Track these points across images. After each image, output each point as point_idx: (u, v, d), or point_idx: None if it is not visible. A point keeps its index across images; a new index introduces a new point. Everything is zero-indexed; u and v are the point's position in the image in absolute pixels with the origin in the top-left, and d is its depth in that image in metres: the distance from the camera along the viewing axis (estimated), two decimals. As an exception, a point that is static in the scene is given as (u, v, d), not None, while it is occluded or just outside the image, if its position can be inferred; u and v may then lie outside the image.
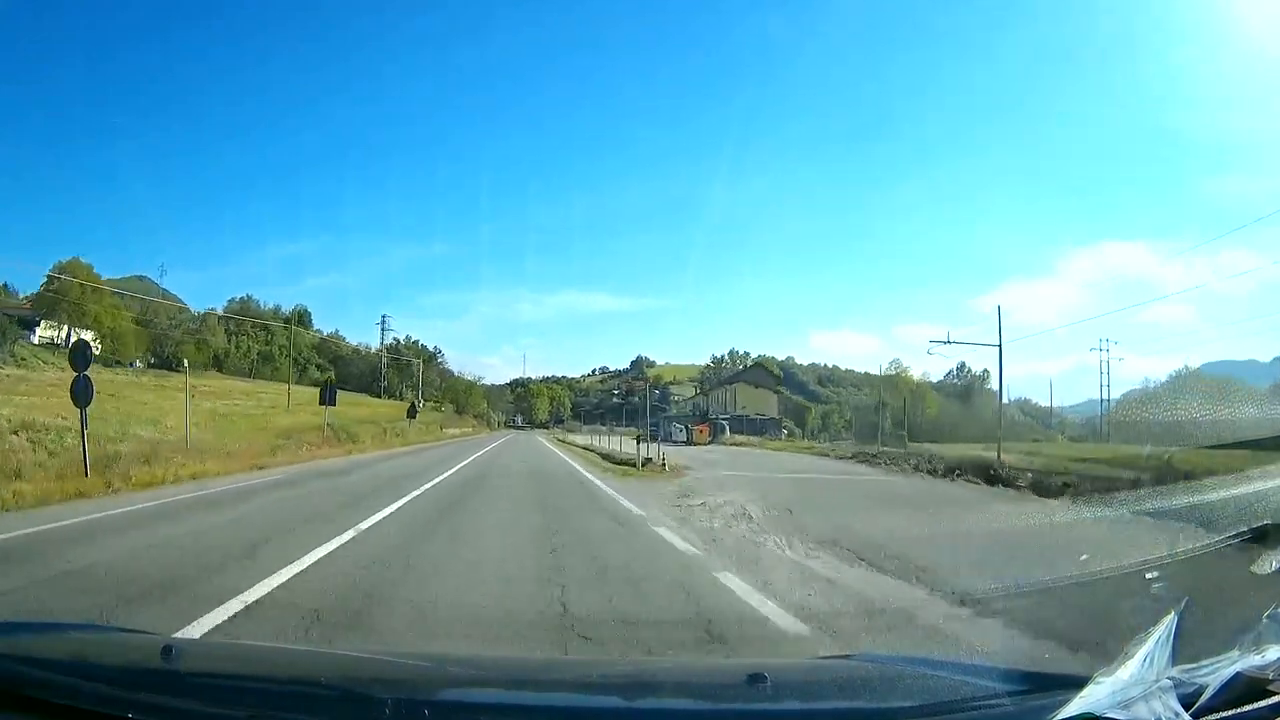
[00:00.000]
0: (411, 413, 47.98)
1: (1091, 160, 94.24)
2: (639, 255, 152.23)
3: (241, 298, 78.60)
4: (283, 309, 79.54)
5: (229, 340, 71.57)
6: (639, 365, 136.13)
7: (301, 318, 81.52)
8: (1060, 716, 1.24)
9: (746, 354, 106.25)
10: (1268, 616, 1.45)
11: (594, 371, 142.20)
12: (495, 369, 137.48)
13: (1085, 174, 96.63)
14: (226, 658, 2.20)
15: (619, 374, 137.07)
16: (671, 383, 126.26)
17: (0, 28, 71.54)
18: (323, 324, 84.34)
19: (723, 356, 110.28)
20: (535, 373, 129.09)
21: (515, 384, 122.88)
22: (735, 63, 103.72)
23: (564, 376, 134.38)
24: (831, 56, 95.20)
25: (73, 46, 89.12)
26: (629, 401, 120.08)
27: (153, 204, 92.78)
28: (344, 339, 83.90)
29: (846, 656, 3.09)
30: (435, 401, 75.07)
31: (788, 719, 1.68)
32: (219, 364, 65.24)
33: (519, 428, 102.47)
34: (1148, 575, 4.13)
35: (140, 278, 73.12)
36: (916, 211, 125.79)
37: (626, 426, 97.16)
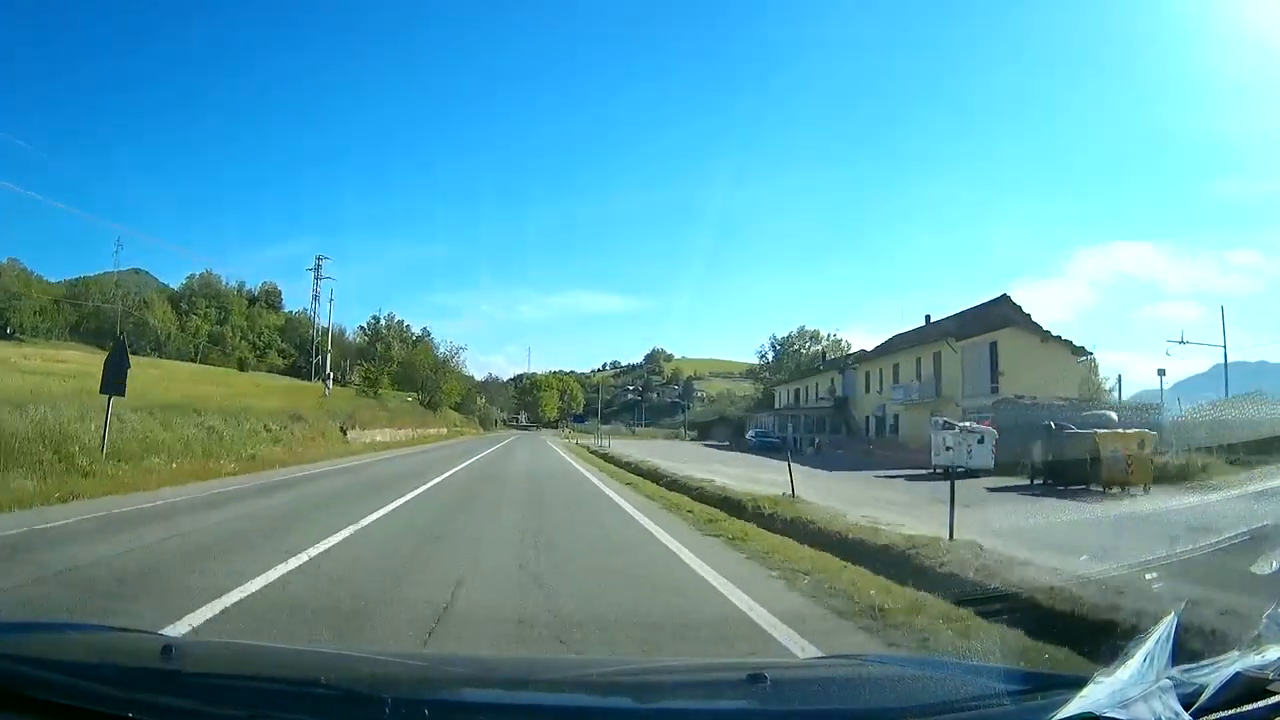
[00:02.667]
0: (113, 382, 13.86)
1: (1100, 160, 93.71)
2: (644, 255, 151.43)
3: (201, 273, 70.77)
4: (247, 285, 72.12)
5: (180, 319, 64.40)
6: (654, 359, 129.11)
7: (269, 296, 73.52)
8: (1060, 716, 1.24)
9: (817, 331, 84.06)
10: (1268, 616, 1.45)
11: (604, 366, 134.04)
12: (498, 367, 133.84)
13: (1094, 174, 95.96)
14: (226, 658, 2.20)
15: (631, 368, 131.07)
16: (694, 377, 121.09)
17: (1, 28, 71.56)
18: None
19: (789, 335, 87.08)
20: (540, 369, 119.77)
21: (519, 378, 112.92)
22: (739, 65, 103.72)
23: (572, 371, 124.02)
24: (836, 57, 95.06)
25: (75, 45, 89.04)
26: (646, 397, 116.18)
27: (152, 202, 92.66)
28: (312, 319, 69.39)
29: (846, 656, 3.09)
30: (365, 385, 46.71)
31: (788, 719, 1.67)
32: (159, 346, 58.92)
33: (523, 427, 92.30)
34: (1147, 575, 4.12)
35: (137, 271, 72.66)
36: (923, 213, 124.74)
37: (646, 425, 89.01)
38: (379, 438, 33.32)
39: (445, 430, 52.58)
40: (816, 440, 40.86)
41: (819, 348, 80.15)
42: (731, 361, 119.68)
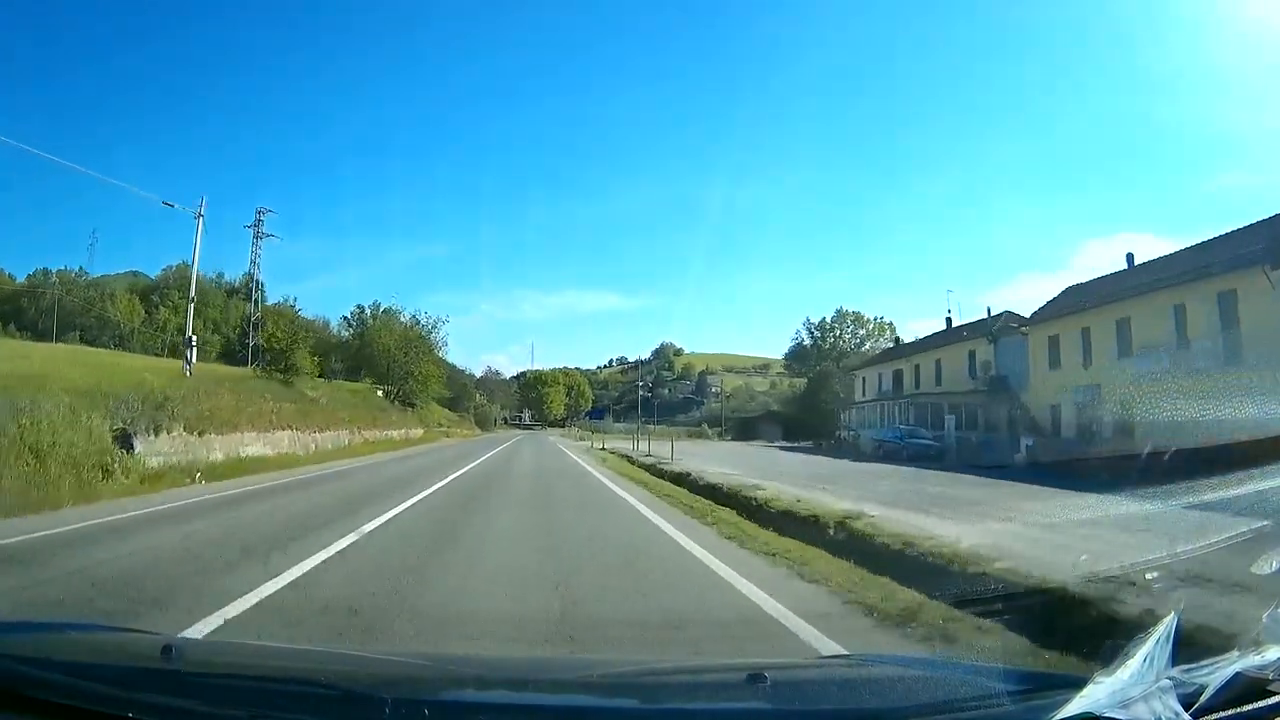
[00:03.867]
0: None
1: (1102, 155, 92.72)
2: (646, 254, 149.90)
3: (177, 265, 64.20)
4: (226, 277, 67.15)
5: (148, 313, 60.84)
6: (663, 354, 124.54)
7: (248, 288, 67.32)
8: (1060, 716, 1.24)
9: (858, 313, 76.89)
10: (1268, 616, 1.45)
11: (610, 363, 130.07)
12: (502, 366, 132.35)
13: (1097, 169, 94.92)
14: (226, 658, 2.20)
15: (639, 364, 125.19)
16: (707, 372, 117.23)
17: (2, 27, 71.43)
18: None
19: (826, 320, 78.34)
20: (544, 367, 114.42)
21: (522, 375, 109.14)
22: (739, 65, 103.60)
23: (577, 368, 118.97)
24: (836, 57, 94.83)
25: (75, 45, 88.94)
26: (657, 393, 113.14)
27: (151, 202, 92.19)
28: (298, 310, 59.94)
29: (846, 656, 3.09)
30: (268, 360, 33.54)
31: (788, 719, 1.67)
32: (123, 340, 56.20)
33: (526, 426, 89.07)
34: (1148, 575, 4.13)
35: (134, 272, 72.18)
36: (926, 209, 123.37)
37: (660, 424, 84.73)
38: (249, 450, 18.92)
39: (421, 431, 40.83)
40: (1025, 445, 25.08)
41: (864, 331, 75.64)
42: (744, 356, 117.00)
